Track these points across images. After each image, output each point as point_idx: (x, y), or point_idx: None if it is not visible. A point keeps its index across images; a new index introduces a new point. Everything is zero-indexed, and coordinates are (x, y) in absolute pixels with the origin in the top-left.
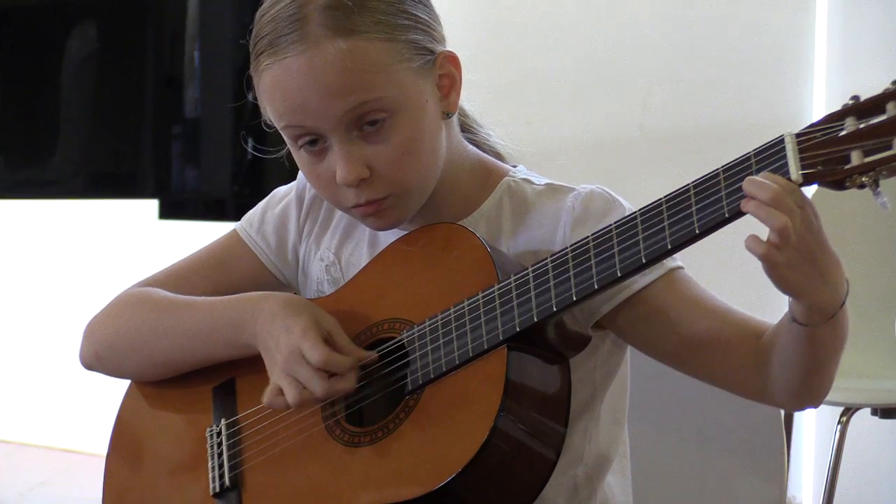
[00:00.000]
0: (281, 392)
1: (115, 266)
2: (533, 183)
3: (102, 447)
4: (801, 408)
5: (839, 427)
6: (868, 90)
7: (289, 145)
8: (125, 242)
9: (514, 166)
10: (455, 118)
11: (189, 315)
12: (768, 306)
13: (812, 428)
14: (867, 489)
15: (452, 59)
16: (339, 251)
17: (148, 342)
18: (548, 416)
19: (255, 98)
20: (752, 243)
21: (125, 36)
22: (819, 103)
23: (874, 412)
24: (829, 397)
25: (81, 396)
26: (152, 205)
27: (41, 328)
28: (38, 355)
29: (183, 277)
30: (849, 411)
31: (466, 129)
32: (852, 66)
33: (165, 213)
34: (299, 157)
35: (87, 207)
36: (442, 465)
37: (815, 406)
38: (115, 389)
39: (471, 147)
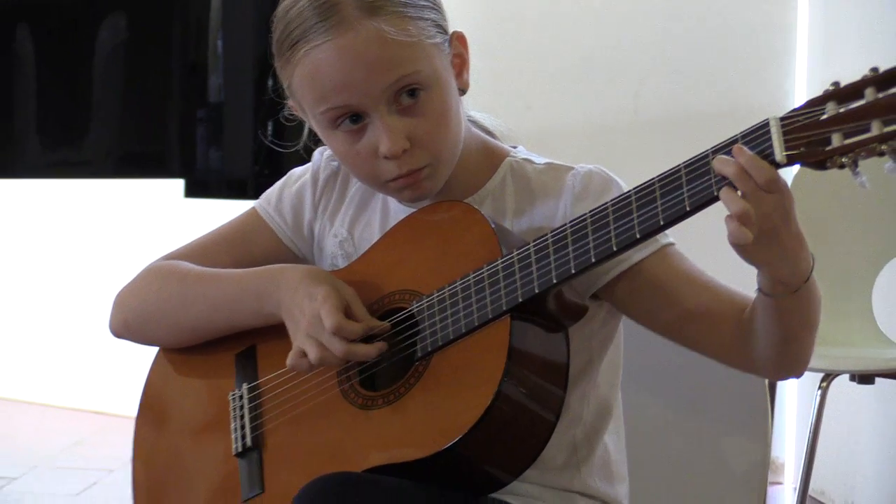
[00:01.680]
0: (304, 355)
1: (143, 241)
2: (533, 162)
3: (131, 409)
4: (783, 377)
5: (819, 392)
6: (847, 77)
7: (324, 130)
8: (153, 219)
9: (514, 147)
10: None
11: (214, 286)
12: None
13: (794, 393)
14: (845, 449)
15: (461, 40)
16: (351, 228)
17: (175, 311)
18: (548, 380)
19: (276, 92)
20: (727, 219)
21: (153, 26)
22: (801, 90)
23: (852, 378)
24: (810, 364)
25: (112, 362)
26: (178, 184)
27: (75, 298)
28: (72, 324)
29: (206, 251)
30: (829, 377)
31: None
32: (832, 56)
33: (190, 191)
34: (335, 138)
35: (118, 186)
36: (449, 426)
37: (797, 376)
38: (143, 356)
39: (474, 128)
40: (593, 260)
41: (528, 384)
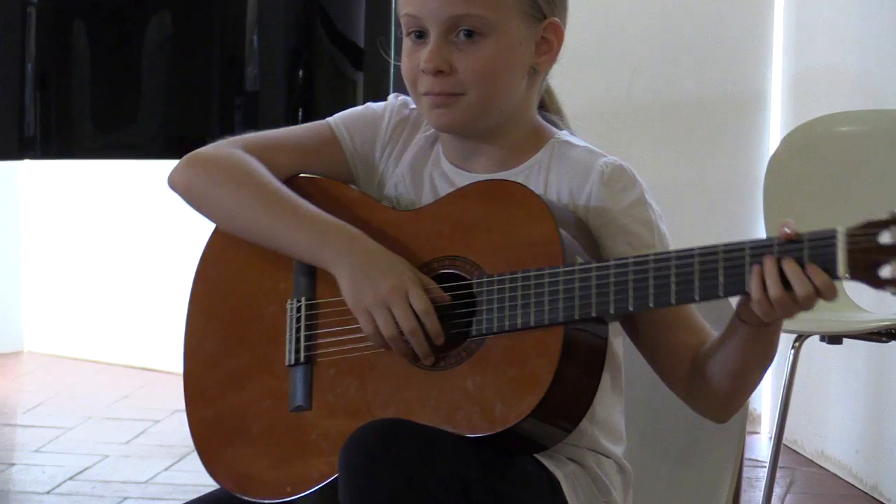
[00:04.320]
0: (371, 320)
1: (185, 214)
2: (573, 144)
3: (173, 366)
4: (712, 415)
5: (793, 351)
6: (816, 69)
7: (404, 34)
8: None
9: (560, 130)
10: (540, 87)
11: (284, 215)
12: None
13: None
14: (815, 402)
15: (557, 30)
16: (405, 175)
17: (240, 217)
18: (585, 383)
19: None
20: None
21: (195, 23)
22: (776, 78)
23: (822, 339)
24: (785, 326)
25: (156, 323)
26: None
27: (124, 266)
28: (121, 290)
29: (275, 149)
30: (801, 338)
31: (547, 108)
32: (804, 49)
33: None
34: (405, 43)
35: (164, 166)
36: (495, 417)
37: (722, 420)
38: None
39: (535, 115)
40: (651, 306)
41: (569, 388)
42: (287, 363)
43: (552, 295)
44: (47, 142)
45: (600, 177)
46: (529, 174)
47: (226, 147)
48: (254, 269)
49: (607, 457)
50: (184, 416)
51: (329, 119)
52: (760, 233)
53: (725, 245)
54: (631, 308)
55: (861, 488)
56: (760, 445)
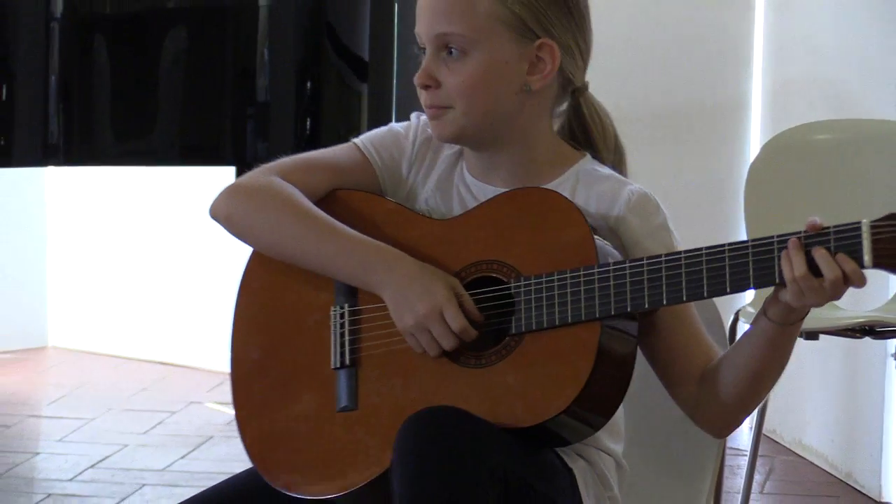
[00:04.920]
0: (416, 341)
1: (200, 217)
2: (599, 171)
3: (189, 360)
4: (716, 426)
5: None
6: (794, 81)
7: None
8: (208, 198)
9: (584, 155)
10: (554, 108)
11: (326, 239)
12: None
13: None
14: (794, 395)
15: (551, 51)
16: (436, 191)
17: (282, 245)
18: (619, 377)
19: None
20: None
21: (209, 37)
22: (756, 88)
23: (800, 335)
24: None
25: (173, 320)
26: (230, 170)
27: (144, 266)
28: (140, 288)
29: (309, 171)
30: None
31: (587, 129)
32: (782, 60)
33: (240, 176)
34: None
35: (180, 172)
36: (536, 409)
37: (721, 433)
38: (200, 316)
39: (554, 135)
40: (685, 299)
41: (604, 381)
42: (333, 366)
43: (588, 293)
44: (69, 149)
45: (627, 203)
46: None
47: (263, 175)
48: (296, 279)
49: (609, 455)
50: (197, 408)
51: (355, 140)
52: (742, 234)
53: (754, 240)
54: (665, 301)
55: (836, 475)
56: (741, 435)
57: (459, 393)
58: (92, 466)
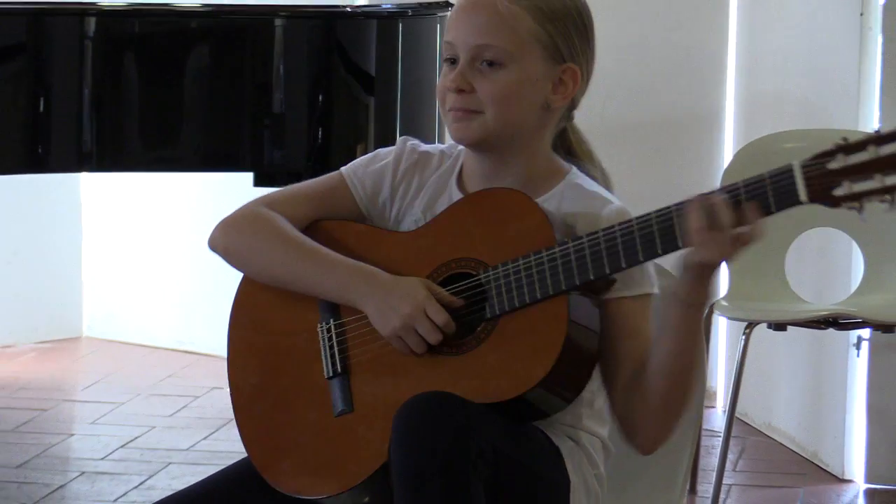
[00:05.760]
0: (403, 343)
1: (222, 217)
2: (584, 187)
3: (211, 349)
4: (640, 436)
5: (744, 337)
6: (765, 93)
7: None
8: (230, 201)
9: (570, 169)
10: (555, 125)
11: (310, 263)
12: None
13: (724, 337)
14: (763, 381)
15: (574, 75)
16: (425, 211)
17: (274, 267)
18: (588, 343)
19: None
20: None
21: (230, 53)
22: (730, 102)
23: (769, 326)
24: (736, 315)
25: (195, 312)
26: (249, 176)
27: (170, 263)
28: (166, 282)
29: (296, 202)
30: (751, 325)
31: (580, 154)
32: (754, 75)
33: (258, 181)
34: (444, 67)
35: (203, 177)
36: (520, 379)
37: (646, 449)
38: (221, 306)
39: (550, 150)
40: (641, 260)
41: (577, 348)
42: (326, 376)
43: (552, 269)
44: (102, 157)
45: (608, 221)
46: (543, 206)
47: (252, 208)
48: (281, 307)
49: (596, 437)
50: (219, 392)
51: (343, 168)
52: None
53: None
54: (624, 265)
55: (803, 455)
56: (716, 418)
57: (447, 380)
58: (122, 446)
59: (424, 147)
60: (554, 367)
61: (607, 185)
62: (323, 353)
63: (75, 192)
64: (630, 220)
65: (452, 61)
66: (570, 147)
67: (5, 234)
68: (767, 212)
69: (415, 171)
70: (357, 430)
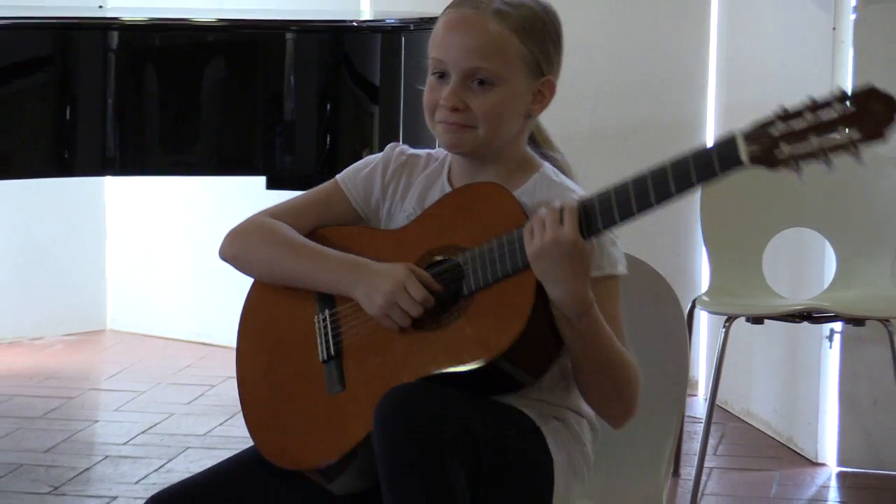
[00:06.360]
0: (388, 319)
1: (236, 218)
2: (553, 181)
3: (227, 340)
4: (608, 418)
5: (724, 329)
6: (743, 101)
7: (428, 72)
8: (243, 204)
9: (543, 164)
10: (530, 125)
11: (308, 260)
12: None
13: (706, 330)
14: (742, 371)
15: (550, 86)
16: (416, 207)
17: (275, 267)
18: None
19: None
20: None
21: (244, 65)
22: (710, 110)
23: (748, 319)
24: (716, 309)
25: (212, 305)
26: (262, 179)
27: (189, 260)
28: (185, 277)
29: (297, 210)
30: (731, 319)
31: (542, 142)
32: (733, 86)
33: (271, 185)
34: (429, 80)
35: (218, 180)
36: (489, 346)
37: (614, 424)
38: (237, 299)
39: (526, 147)
40: (601, 227)
41: (547, 316)
42: (321, 360)
43: (521, 245)
44: (124, 161)
45: None
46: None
47: (256, 218)
48: (284, 306)
49: (583, 417)
50: (234, 382)
51: (338, 176)
52: (698, 233)
53: (651, 170)
54: (586, 236)
55: (779, 440)
56: (698, 405)
57: (428, 354)
58: (143, 432)
59: (411, 150)
60: (524, 332)
61: (567, 169)
62: (318, 340)
63: (99, 195)
64: (591, 196)
65: (441, 75)
66: (533, 136)
67: (35, 235)
68: (713, 174)
69: (403, 171)
70: (347, 406)
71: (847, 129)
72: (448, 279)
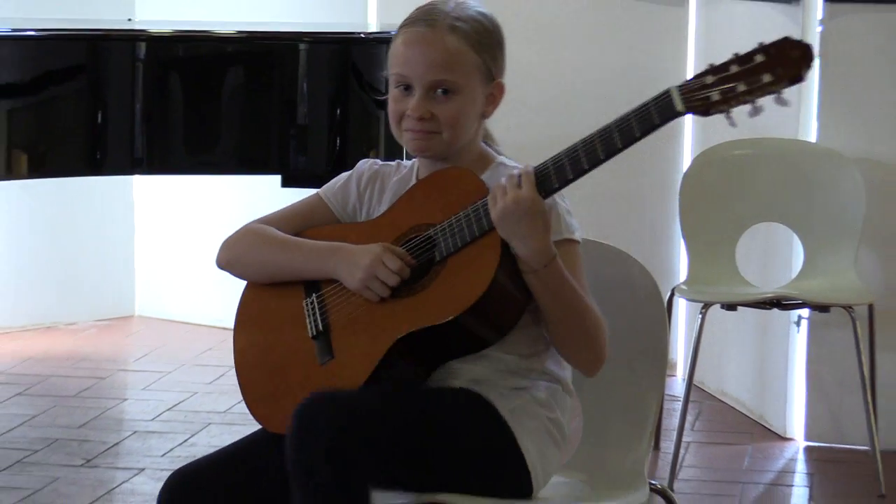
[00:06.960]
0: (369, 291)
1: (253, 214)
2: (507, 165)
3: None
4: (580, 366)
5: (700, 315)
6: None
7: (390, 85)
8: (260, 201)
9: (499, 154)
10: (483, 124)
11: (293, 253)
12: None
13: (684, 316)
14: (717, 352)
15: (500, 88)
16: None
17: (266, 265)
18: (520, 276)
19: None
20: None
21: (261, 73)
22: (687, 118)
23: (722, 306)
24: (693, 297)
25: (230, 293)
26: (277, 178)
27: (209, 252)
28: (205, 266)
29: (287, 220)
30: (707, 306)
31: (486, 139)
32: None
33: (285, 183)
34: (392, 92)
35: (237, 179)
36: (464, 297)
37: (587, 373)
38: None
39: (482, 141)
40: (557, 186)
41: (512, 273)
42: (310, 336)
43: (485, 212)
44: (151, 161)
45: None
46: None
47: (247, 226)
48: (274, 299)
49: (557, 383)
50: None
51: (319, 190)
52: (677, 232)
53: (600, 129)
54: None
55: (751, 417)
56: (676, 385)
57: (406, 317)
58: (168, 409)
59: (381, 162)
60: (492, 283)
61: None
62: (308, 320)
63: (128, 192)
64: (544, 161)
65: (406, 87)
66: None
67: (69, 229)
68: (653, 126)
69: (376, 178)
70: (337, 370)
71: (770, 75)
72: (422, 251)
